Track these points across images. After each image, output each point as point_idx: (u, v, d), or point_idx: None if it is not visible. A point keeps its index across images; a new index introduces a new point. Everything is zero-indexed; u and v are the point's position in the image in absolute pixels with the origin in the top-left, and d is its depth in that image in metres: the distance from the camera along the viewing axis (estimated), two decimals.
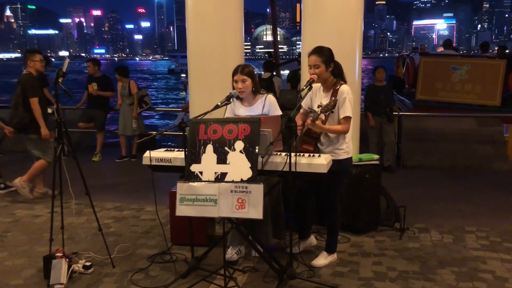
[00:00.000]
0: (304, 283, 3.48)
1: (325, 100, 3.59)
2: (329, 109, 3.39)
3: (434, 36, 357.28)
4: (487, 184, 6.35)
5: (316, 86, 3.69)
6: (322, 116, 3.46)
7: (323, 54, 3.53)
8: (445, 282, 3.51)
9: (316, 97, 3.72)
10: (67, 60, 3.75)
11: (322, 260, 3.83)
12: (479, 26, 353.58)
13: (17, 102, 5.48)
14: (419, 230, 4.57)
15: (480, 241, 4.30)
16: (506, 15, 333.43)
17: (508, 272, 3.68)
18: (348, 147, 3.68)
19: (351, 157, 3.75)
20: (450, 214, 5.08)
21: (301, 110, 3.82)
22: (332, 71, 3.58)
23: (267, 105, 3.81)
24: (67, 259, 3.56)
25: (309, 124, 3.40)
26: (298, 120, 3.72)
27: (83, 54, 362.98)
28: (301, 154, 3.38)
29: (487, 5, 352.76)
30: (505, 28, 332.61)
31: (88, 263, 3.71)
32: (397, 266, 3.79)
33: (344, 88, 3.55)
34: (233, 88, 3.79)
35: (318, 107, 3.52)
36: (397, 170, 7.13)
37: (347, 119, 3.53)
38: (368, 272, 3.69)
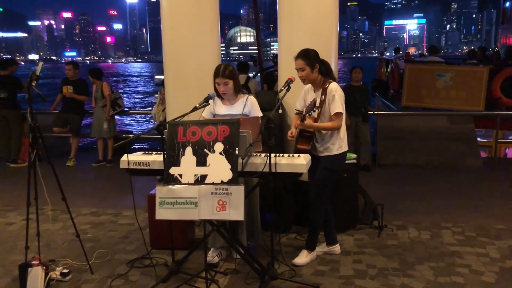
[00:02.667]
0: (286, 283, 3.48)
1: (316, 99, 3.69)
2: (311, 109, 3.56)
3: (405, 36, 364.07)
4: (461, 181, 6.49)
5: (307, 86, 3.84)
6: (314, 115, 3.62)
7: (307, 56, 3.65)
8: (424, 278, 3.57)
9: (308, 97, 3.83)
10: (40, 63, 3.66)
11: (303, 258, 3.85)
12: (448, 26, 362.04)
13: None
14: (397, 227, 4.64)
15: (456, 236, 4.40)
16: (474, 15, 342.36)
17: (484, 265, 3.77)
18: (342, 142, 3.76)
19: (344, 152, 3.81)
20: (426, 211, 5.18)
21: (296, 112, 3.93)
22: (319, 71, 3.67)
23: (248, 105, 3.82)
24: (44, 267, 3.48)
25: (299, 125, 3.54)
26: (293, 122, 3.84)
27: (54, 57, 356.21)
28: (281, 154, 3.39)
29: (455, 6, 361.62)
30: (473, 28, 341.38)
31: (65, 270, 3.63)
32: (376, 264, 3.83)
33: (332, 86, 3.66)
34: (214, 89, 3.78)
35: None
36: (373, 169, 7.23)
37: (338, 115, 3.63)
38: (349, 270, 3.73)
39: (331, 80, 3.71)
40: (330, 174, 3.74)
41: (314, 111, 3.63)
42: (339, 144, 3.72)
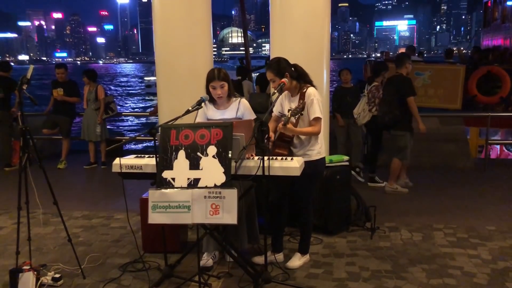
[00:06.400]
0: (279, 286, 3.48)
1: (294, 104, 3.65)
2: (298, 111, 3.47)
3: (395, 37, 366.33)
4: (452, 182, 6.53)
5: (284, 92, 3.76)
6: (293, 119, 3.51)
7: (274, 67, 3.64)
8: (417, 280, 3.58)
9: (285, 102, 3.78)
10: (31, 67, 3.63)
11: (297, 261, 3.85)
12: (438, 27, 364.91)
13: (391, 101, 5.87)
14: (389, 229, 4.65)
15: (448, 238, 4.42)
16: (463, 17, 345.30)
17: (476, 267, 3.79)
18: (321, 148, 3.72)
19: (323, 158, 3.79)
20: (418, 212, 5.20)
21: (272, 116, 3.85)
22: (291, 77, 3.63)
23: (241, 108, 3.80)
24: (35, 272, 3.44)
25: (281, 128, 3.45)
26: (271, 125, 3.77)
27: (44, 58, 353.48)
28: (274, 157, 3.38)
29: (445, 7, 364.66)
30: (462, 29, 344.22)
31: (57, 275, 3.59)
32: (369, 266, 3.84)
33: (310, 91, 3.63)
34: (207, 93, 3.75)
35: (288, 111, 3.59)
36: (365, 170, 7.23)
37: (317, 120, 3.59)
38: (342, 272, 3.73)
39: (308, 85, 3.67)
40: (310, 179, 3.70)
41: (302, 114, 3.56)
42: (317, 150, 3.69)
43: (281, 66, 3.62)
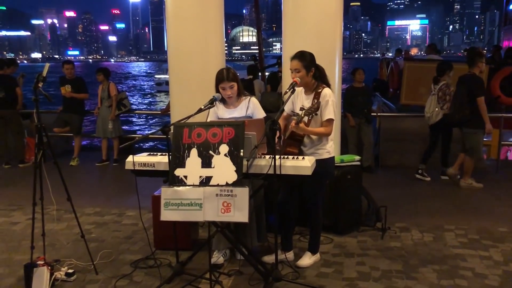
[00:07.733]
0: (289, 285, 3.49)
1: (307, 103, 3.64)
2: (313, 111, 3.45)
3: (407, 36, 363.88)
4: None
5: (298, 89, 3.74)
6: (305, 119, 3.51)
7: (304, 59, 3.59)
8: (427, 280, 3.57)
9: (298, 100, 3.77)
10: (47, 65, 3.68)
11: (307, 260, 3.86)
12: (451, 27, 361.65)
13: (462, 99, 5.94)
14: (400, 230, 4.64)
15: (459, 239, 4.40)
16: (477, 16, 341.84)
17: (487, 269, 3.77)
18: (331, 147, 3.73)
19: (333, 157, 3.80)
20: (429, 213, 5.18)
21: (283, 114, 3.85)
22: (313, 75, 3.63)
23: (251, 107, 3.83)
24: (49, 267, 3.49)
25: (293, 127, 3.45)
26: (280, 124, 3.77)
27: (57, 56, 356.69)
28: (286, 156, 3.39)
29: (458, 7, 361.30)
30: (475, 29, 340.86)
31: (70, 271, 3.65)
32: (380, 266, 3.84)
33: (327, 91, 3.62)
34: (217, 93, 3.78)
35: (300, 109, 3.60)
36: (376, 170, 7.23)
37: (330, 121, 3.59)
38: (352, 272, 3.73)
39: (324, 85, 3.67)
40: (320, 178, 3.69)
41: (316, 114, 3.56)
42: (327, 149, 3.69)
43: (307, 58, 3.59)
